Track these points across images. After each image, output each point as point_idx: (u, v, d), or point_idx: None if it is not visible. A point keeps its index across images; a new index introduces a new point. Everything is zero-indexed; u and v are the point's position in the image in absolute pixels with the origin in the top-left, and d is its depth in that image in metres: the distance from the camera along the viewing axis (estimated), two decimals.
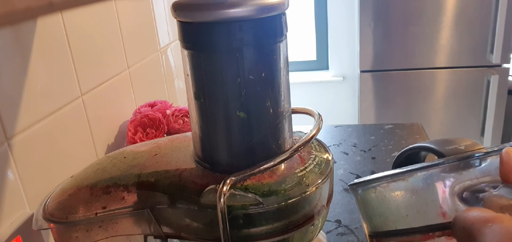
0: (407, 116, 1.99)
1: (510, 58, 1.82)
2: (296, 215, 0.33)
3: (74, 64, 0.61)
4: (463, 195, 0.28)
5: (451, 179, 0.29)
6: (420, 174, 0.30)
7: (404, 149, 0.37)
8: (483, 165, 0.29)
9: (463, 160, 0.29)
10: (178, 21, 0.32)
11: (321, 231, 0.39)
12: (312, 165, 0.35)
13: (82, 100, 0.63)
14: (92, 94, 0.65)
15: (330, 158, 0.37)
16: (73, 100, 0.60)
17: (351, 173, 0.81)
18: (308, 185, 0.33)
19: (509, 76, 1.87)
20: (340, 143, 0.94)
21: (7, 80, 0.48)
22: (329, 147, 0.71)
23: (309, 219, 0.34)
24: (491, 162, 0.28)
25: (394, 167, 0.36)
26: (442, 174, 0.29)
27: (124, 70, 0.77)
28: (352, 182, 0.35)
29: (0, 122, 0.46)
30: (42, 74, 0.54)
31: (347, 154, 0.89)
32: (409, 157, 0.37)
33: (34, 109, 0.52)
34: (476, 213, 0.25)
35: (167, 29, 0.99)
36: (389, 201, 0.32)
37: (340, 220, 0.67)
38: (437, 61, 1.89)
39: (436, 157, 0.32)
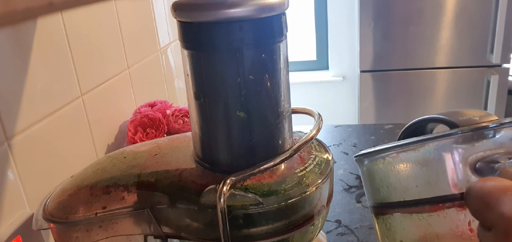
0: (407, 116, 1.99)
1: (510, 58, 1.82)
2: (296, 215, 0.33)
3: (74, 64, 0.61)
4: (477, 166, 0.27)
5: (464, 150, 0.28)
6: (431, 144, 0.29)
7: (413, 121, 0.36)
8: (497, 136, 0.28)
9: (477, 131, 0.28)
10: (178, 21, 0.32)
11: (321, 231, 0.39)
12: (312, 165, 0.35)
13: (82, 100, 0.63)
14: (92, 94, 0.65)
15: (330, 158, 0.37)
16: (73, 100, 0.60)
17: (351, 173, 0.81)
18: (308, 185, 0.33)
19: (509, 76, 1.87)
20: (340, 143, 0.94)
21: (7, 80, 0.48)
22: (329, 147, 0.71)
23: (309, 219, 0.34)
24: (506, 134, 0.27)
25: (400, 139, 0.35)
26: (455, 144, 0.28)
27: (124, 70, 0.77)
28: (358, 153, 0.34)
29: (0, 122, 0.46)
30: (42, 74, 0.54)
31: (347, 154, 0.89)
32: (417, 130, 0.36)
33: (34, 109, 0.52)
34: (493, 182, 0.24)
35: (167, 29, 0.99)
36: (398, 171, 0.31)
37: (340, 220, 0.67)
38: (437, 61, 1.89)
39: (442, 131, 0.31)
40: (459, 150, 0.28)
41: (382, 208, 0.33)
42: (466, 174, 0.27)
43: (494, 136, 0.28)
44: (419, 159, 0.30)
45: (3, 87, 0.47)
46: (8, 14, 0.13)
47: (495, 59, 1.80)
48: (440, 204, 0.28)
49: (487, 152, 0.27)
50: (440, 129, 0.32)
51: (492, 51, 1.81)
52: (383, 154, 0.32)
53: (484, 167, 0.27)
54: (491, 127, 0.28)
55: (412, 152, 0.30)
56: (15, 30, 0.49)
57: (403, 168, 0.31)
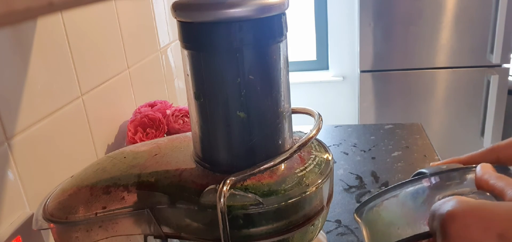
0: (407, 116, 1.99)
1: (510, 58, 1.82)
2: (296, 215, 0.33)
3: (74, 64, 0.61)
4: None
5: (435, 191, 0.33)
6: (407, 189, 0.34)
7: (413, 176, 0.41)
8: (463, 180, 0.33)
9: (445, 173, 0.33)
10: (178, 21, 0.32)
11: (321, 231, 0.39)
12: (312, 165, 0.35)
13: (82, 100, 0.63)
14: (92, 94, 0.65)
15: (330, 158, 0.37)
16: (73, 100, 0.60)
17: (351, 173, 0.81)
18: (308, 185, 0.33)
19: (509, 76, 1.87)
20: (340, 143, 0.94)
21: (7, 80, 0.48)
22: (329, 147, 0.71)
23: (309, 219, 0.34)
24: (471, 178, 0.32)
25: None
26: (427, 187, 0.33)
27: (124, 70, 0.77)
28: (354, 211, 0.38)
29: (0, 122, 0.46)
30: (42, 74, 0.54)
31: (347, 154, 0.89)
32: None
33: (34, 109, 0.52)
34: (441, 201, 0.29)
35: (167, 29, 0.99)
36: (384, 218, 0.35)
37: (340, 220, 0.67)
38: (437, 61, 1.89)
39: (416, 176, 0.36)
40: (431, 192, 0.33)
41: None
42: None
43: (460, 179, 0.33)
44: (399, 204, 0.34)
45: (3, 87, 0.47)
46: (8, 14, 0.13)
47: (495, 59, 1.80)
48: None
49: (454, 191, 0.32)
50: None
51: (492, 51, 1.81)
52: (371, 205, 0.36)
53: None
54: (456, 169, 0.33)
55: (393, 198, 0.35)
56: (15, 30, 0.49)
57: (388, 214, 0.35)
